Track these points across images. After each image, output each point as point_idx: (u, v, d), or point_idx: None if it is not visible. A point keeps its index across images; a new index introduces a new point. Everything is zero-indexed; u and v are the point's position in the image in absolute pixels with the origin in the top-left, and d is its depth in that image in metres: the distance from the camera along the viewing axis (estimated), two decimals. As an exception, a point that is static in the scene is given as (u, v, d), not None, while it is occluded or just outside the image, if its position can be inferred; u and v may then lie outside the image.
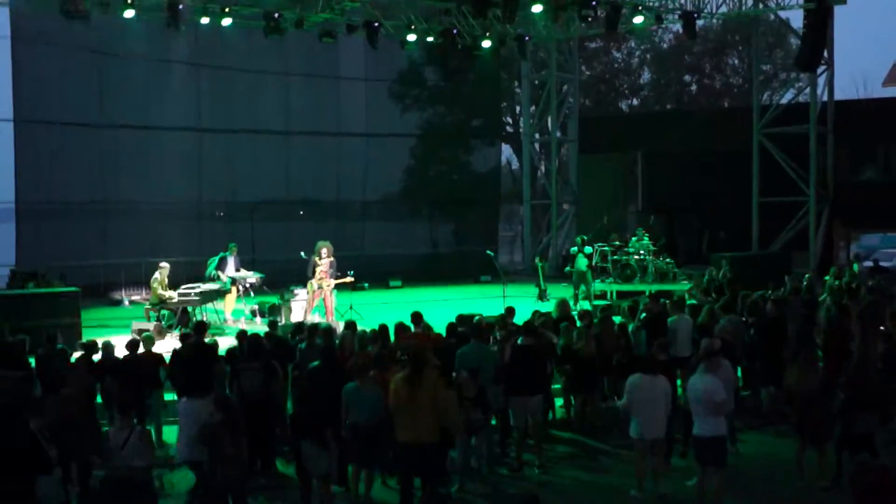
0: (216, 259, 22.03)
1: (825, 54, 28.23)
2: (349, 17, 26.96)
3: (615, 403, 13.24)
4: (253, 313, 21.85)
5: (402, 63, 32.84)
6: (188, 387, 11.10)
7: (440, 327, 14.07)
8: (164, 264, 20.86)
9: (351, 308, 21.01)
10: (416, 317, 13.67)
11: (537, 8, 26.06)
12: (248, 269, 22.44)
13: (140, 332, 15.98)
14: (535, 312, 15.31)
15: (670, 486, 10.94)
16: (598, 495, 11.19)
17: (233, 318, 21.48)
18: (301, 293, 20.84)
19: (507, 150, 43.20)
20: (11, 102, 26.32)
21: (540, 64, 34.82)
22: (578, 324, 14.49)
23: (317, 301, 20.15)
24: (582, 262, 23.50)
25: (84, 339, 15.00)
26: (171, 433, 13.32)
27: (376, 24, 26.49)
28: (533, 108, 35.46)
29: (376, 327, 13.55)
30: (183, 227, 29.13)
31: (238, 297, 22.18)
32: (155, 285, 20.62)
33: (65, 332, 16.04)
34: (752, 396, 14.69)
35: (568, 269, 24.58)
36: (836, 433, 10.84)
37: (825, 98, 29.28)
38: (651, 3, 28.31)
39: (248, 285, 22.18)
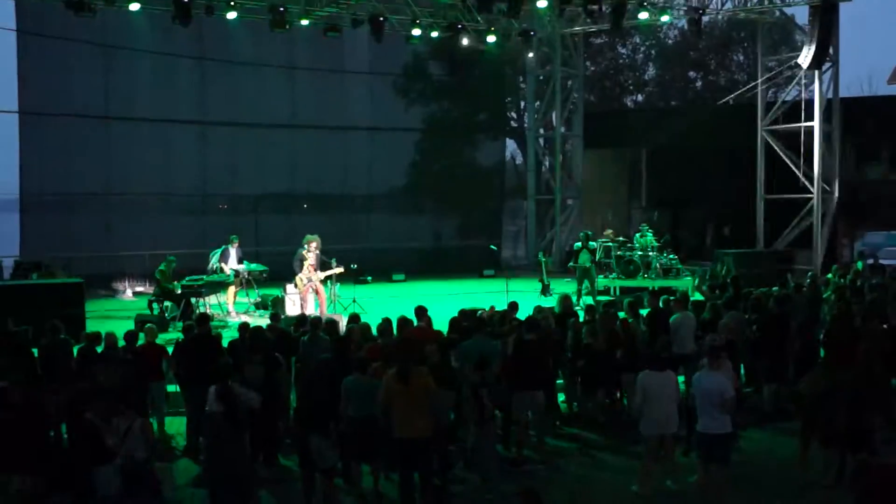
0: (218, 251, 22.04)
1: (831, 52, 28.16)
2: (354, 11, 26.94)
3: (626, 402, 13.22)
4: (255, 306, 21.88)
5: (406, 57, 32.77)
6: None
7: (443, 321, 14.04)
8: (170, 257, 20.97)
9: (354, 301, 21.03)
10: (420, 311, 13.64)
11: (542, 3, 26.01)
12: (252, 262, 22.44)
13: (143, 323, 15.99)
14: (538, 307, 15.31)
15: (672, 482, 10.94)
16: (600, 490, 11.18)
17: (235, 310, 21.48)
18: (289, 288, 20.80)
19: (511, 145, 43.17)
20: (16, 94, 26.41)
21: (545, 59, 34.73)
22: (582, 319, 14.49)
23: (309, 294, 20.12)
24: (585, 258, 23.47)
25: (87, 331, 14.98)
26: (172, 424, 13.35)
27: (381, 19, 26.45)
28: (538, 103, 35.37)
29: (380, 321, 13.52)
30: (187, 219, 29.14)
31: (241, 289, 22.19)
32: (159, 276, 20.68)
33: (68, 322, 16.01)
34: (755, 393, 14.67)
35: (571, 264, 24.55)
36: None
37: (830, 95, 29.21)
38: (656, 0, 28.30)
39: (250, 277, 22.17)
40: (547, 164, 36.07)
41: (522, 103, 40.15)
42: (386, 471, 10.89)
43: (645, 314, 15.01)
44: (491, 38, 28.61)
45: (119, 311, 22.31)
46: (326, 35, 26.84)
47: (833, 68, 28.75)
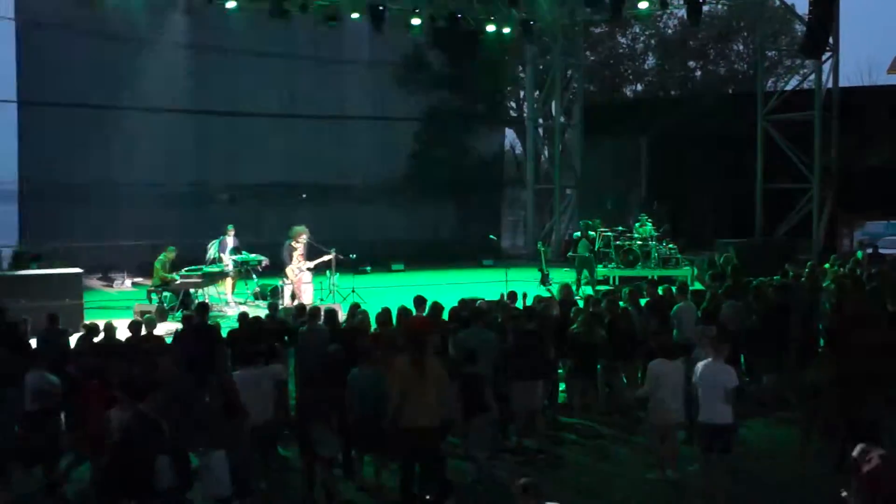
0: (217, 242, 22.03)
1: (830, 41, 28.07)
2: (354, 0, 26.85)
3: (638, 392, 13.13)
4: (255, 296, 21.84)
5: (406, 47, 32.69)
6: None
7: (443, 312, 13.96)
8: (170, 247, 20.93)
9: (353, 291, 20.99)
10: (419, 301, 13.58)
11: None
12: (250, 252, 22.39)
13: (142, 313, 15.93)
14: (537, 297, 15.26)
15: (672, 471, 10.90)
16: (601, 481, 11.12)
17: (234, 300, 21.44)
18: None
19: (510, 135, 43.08)
20: (15, 83, 26.31)
21: (545, 49, 34.64)
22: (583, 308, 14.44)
23: (303, 283, 20.08)
24: (584, 248, 23.43)
25: (86, 321, 14.92)
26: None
27: (381, 8, 26.37)
28: (537, 92, 35.29)
29: (379, 310, 13.47)
30: (185, 210, 29.01)
31: (239, 279, 22.14)
32: (158, 266, 20.64)
33: (67, 313, 15.95)
34: (755, 383, 14.62)
35: (571, 253, 24.52)
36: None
37: (830, 85, 29.14)
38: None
39: (248, 268, 22.13)
40: (546, 153, 36.01)
41: (522, 93, 40.05)
42: (388, 462, 10.83)
43: (644, 303, 14.94)
44: (491, 28, 28.52)
45: (118, 302, 22.26)
46: (326, 24, 26.73)
47: (833, 58, 28.67)
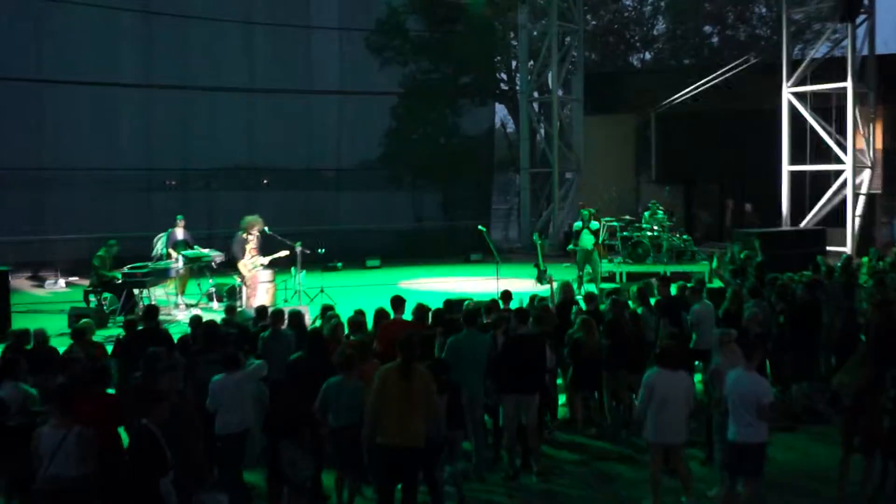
0: (165, 235, 21.93)
1: (865, 2, 28.13)
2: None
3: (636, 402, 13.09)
4: (208, 297, 21.75)
5: (380, 10, 32.67)
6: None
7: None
8: (111, 241, 20.80)
9: (322, 291, 20.90)
10: (398, 301, 13.49)
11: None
12: (203, 247, 22.27)
13: (78, 317, 15.80)
14: (534, 297, 15.22)
15: (687, 498, 10.86)
16: (606, 506, 11.11)
17: (185, 302, 21.36)
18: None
19: (501, 111, 43.13)
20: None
21: (539, 12, 34.62)
22: (584, 308, 14.42)
23: (258, 282, 19.98)
24: (587, 240, 23.40)
25: (14, 327, 14.80)
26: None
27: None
28: (531, 62, 35.29)
29: (351, 313, 13.39)
30: (129, 198, 28.93)
31: (191, 278, 22.05)
32: (97, 264, 20.49)
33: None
34: (782, 393, 14.61)
35: (571, 246, 24.52)
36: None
37: (865, 52, 29.19)
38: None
39: (202, 265, 22.04)
40: (542, 132, 36.01)
41: (514, 63, 40.04)
42: (364, 483, 10.77)
43: (654, 303, 14.92)
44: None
45: (49, 305, 22.13)
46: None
47: (868, 20, 28.73)
